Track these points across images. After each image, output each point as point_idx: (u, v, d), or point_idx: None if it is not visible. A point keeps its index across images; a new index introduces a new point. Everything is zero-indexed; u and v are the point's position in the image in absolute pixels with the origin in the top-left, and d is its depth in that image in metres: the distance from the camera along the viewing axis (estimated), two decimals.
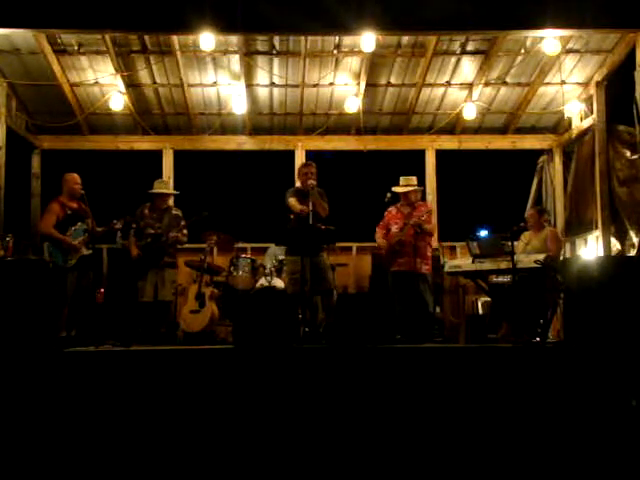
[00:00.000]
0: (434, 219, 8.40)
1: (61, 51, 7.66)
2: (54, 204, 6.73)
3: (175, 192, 7.47)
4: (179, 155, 8.95)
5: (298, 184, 6.63)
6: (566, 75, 8.07)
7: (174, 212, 7.09)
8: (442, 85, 8.39)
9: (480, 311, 7.91)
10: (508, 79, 8.31)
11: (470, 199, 9.49)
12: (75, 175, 6.81)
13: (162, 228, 6.86)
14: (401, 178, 6.90)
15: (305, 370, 4.95)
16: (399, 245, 6.62)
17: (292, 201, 6.42)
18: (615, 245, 7.61)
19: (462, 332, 7.28)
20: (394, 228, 6.77)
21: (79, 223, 6.67)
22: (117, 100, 8.08)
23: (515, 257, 5.93)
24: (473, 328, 6.77)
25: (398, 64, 8.08)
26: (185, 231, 6.95)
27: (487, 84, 8.35)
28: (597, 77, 7.98)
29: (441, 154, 9.02)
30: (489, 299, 7.29)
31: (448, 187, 9.05)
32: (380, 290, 7.07)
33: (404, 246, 6.61)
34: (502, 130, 9.10)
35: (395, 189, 6.86)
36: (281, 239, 6.61)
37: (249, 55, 7.86)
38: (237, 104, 8.32)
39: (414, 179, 6.92)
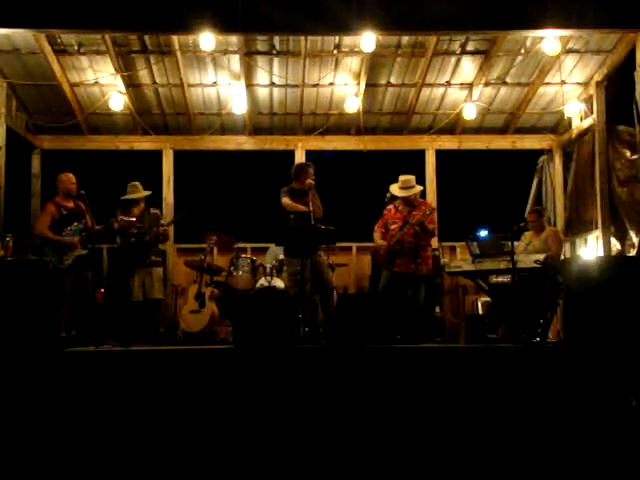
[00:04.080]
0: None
1: (61, 51, 7.66)
2: (49, 205, 6.73)
3: (147, 193, 7.13)
4: (179, 155, 8.95)
5: (293, 184, 6.56)
6: (566, 75, 8.07)
7: (152, 211, 7.12)
8: (442, 85, 8.39)
9: (480, 311, 7.92)
10: (508, 79, 8.31)
11: (470, 199, 9.49)
12: (70, 175, 6.81)
13: (144, 227, 6.87)
14: (400, 178, 6.83)
15: (305, 370, 4.96)
16: (398, 245, 6.58)
17: (288, 201, 6.39)
18: (615, 245, 7.61)
19: (462, 332, 7.27)
20: (393, 227, 6.71)
21: (75, 223, 6.66)
22: (117, 100, 8.08)
23: (515, 257, 5.93)
24: (473, 328, 6.75)
25: (398, 64, 8.08)
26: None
27: (487, 84, 8.35)
28: (597, 77, 7.98)
29: (441, 154, 9.02)
30: (489, 299, 7.29)
31: (448, 187, 9.05)
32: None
33: (403, 246, 6.58)
34: (502, 130, 9.09)
35: (396, 193, 6.78)
36: (281, 239, 6.59)
37: (249, 55, 7.86)
38: (237, 104, 8.32)
39: (413, 179, 6.86)
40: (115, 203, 7.07)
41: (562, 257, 7.21)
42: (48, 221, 6.60)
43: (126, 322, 6.41)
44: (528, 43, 7.65)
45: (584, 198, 8.31)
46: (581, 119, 8.37)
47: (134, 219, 6.76)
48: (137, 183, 7.06)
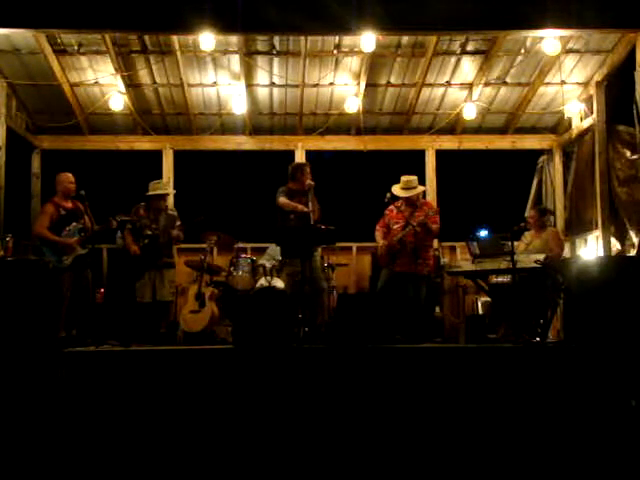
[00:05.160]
0: None
1: (61, 51, 7.66)
2: (48, 205, 6.74)
3: (172, 191, 7.42)
4: (179, 155, 8.95)
5: (290, 184, 6.55)
6: (566, 75, 8.07)
7: (170, 212, 7.13)
8: (442, 85, 8.39)
9: (480, 311, 7.91)
10: (508, 79, 8.31)
11: (470, 199, 9.49)
12: (69, 174, 6.81)
13: (159, 229, 6.86)
14: (402, 178, 6.82)
15: (305, 370, 4.96)
16: (400, 244, 6.58)
17: (286, 200, 6.37)
18: (615, 245, 7.61)
19: (462, 332, 7.26)
20: (395, 227, 6.71)
21: (74, 223, 6.66)
22: (117, 100, 8.08)
23: (515, 257, 5.93)
24: (473, 328, 6.75)
25: (398, 64, 8.08)
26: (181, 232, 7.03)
27: (487, 84, 8.35)
28: (597, 77, 7.98)
29: (441, 154, 9.01)
30: (489, 299, 7.29)
31: (448, 187, 9.04)
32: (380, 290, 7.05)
33: (405, 246, 6.58)
34: (502, 130, 9.09)
35: (398, 193, 6.77)
36: (282, 239, 6.58)
37: (249, 55, 7.86)
38: (237, 104, 8.32)
39: (415, 180, 6.85)
40: (116, 203, 7.08)
41: (562, 257, 7.20)
42: (47, 222, 6.61)
43: (131, 322, 6.40)
44: (528, 43, 7.65)
45: (584, 198, 8.31)
46: (581, 119, 8.36)
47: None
48: (165, 180, 7.14)
